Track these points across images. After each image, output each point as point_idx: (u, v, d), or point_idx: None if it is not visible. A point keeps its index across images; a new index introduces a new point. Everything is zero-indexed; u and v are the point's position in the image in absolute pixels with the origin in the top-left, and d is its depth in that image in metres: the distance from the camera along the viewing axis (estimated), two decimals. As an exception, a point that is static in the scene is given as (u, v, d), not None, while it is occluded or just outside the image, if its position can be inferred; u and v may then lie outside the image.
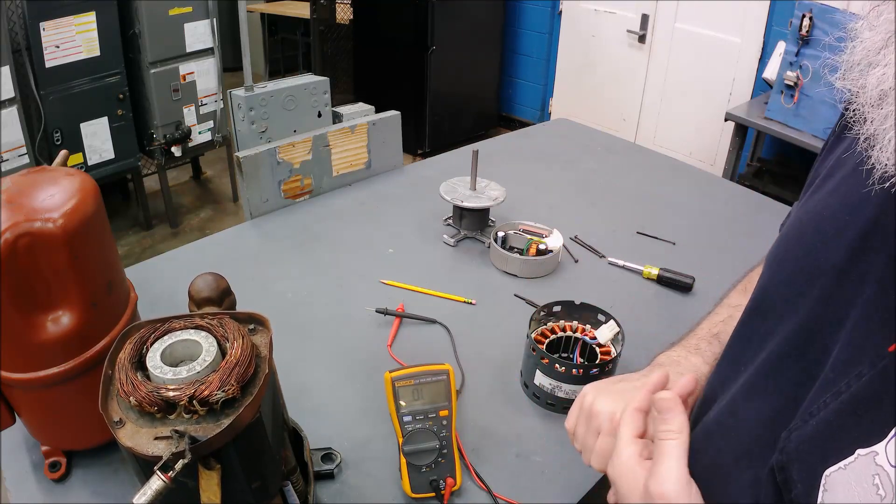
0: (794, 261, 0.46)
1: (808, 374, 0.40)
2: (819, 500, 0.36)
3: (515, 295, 1.13)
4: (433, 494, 0.74)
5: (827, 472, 0.36)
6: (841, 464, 0.35)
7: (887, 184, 0.36)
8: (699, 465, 0.48)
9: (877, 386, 0.34)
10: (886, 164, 0.36)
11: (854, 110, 0.39)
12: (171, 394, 0.48)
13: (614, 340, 0.93)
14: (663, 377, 0.55)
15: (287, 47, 5.24)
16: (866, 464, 0.34)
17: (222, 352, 0.53)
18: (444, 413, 0.75)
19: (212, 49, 3.04)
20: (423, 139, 3.95)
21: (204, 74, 3.05)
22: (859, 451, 0.34)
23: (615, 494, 0.52)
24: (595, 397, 0.63)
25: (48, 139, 2.64)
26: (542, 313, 0.96)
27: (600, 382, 0.67)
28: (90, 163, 2.82)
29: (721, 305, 0.74)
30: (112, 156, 2.90)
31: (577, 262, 1.24)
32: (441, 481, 0.74)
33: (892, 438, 0.33)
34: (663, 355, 0.70)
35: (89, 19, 2.60)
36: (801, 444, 0.38)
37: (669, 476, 0.45)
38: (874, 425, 0.34)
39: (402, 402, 0.74)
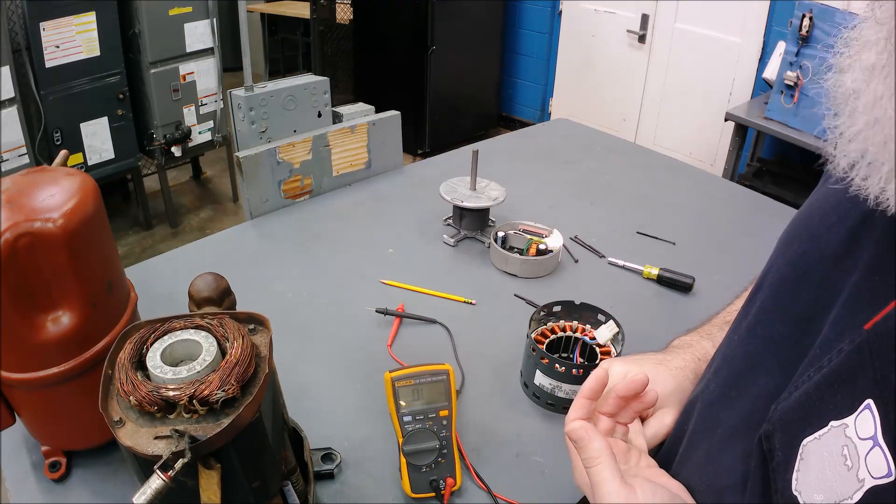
0: (800, 245, 0.48)
1: (804, 354, 0.42)
2: (795, 468, 0.37)
3: (515, 295, 1.13)
4: (433, 494, 0.74)
5: (804, 441, 0.37)
6: (816, 434, 0.37)
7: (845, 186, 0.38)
8: (702, 434, 0.51)
9: (852, 361, 0.36)
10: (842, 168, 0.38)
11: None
12: (171, 393, 0.48)
13: (614, 340, 0.93)
14: (598, 382, 0.57)
15: (287, 47, 5.24)
16: (837, 435, 0.35)
17: (222, 352, 0.53)
18: (444, 413, 0.75)
19: (212, 49, 3.04)
20: (423, 139, 3.95)
21: (204, 74, 3.05)
22: (832, 423, 0.36)
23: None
24: (610, 363, 0.66)
25: (48, 139, 2.64)
26: (542, 313, 0.96)
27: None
28: (90, 163, 2.82)
29: (739, 297, 0.75)
30: (112, 156, 2.90)
31: (577, 262, 1.24)
32: (441, 481, 0.74)
33: (861, 412, 0.34)
34: (678, 339, 0.73)
35: (89, 19, 2.60)
36: (784, 415, 0.40)
37: (609, 499, 0.49)
38: (847, 399, 0.35)
39: (402, 402, 0.74)
